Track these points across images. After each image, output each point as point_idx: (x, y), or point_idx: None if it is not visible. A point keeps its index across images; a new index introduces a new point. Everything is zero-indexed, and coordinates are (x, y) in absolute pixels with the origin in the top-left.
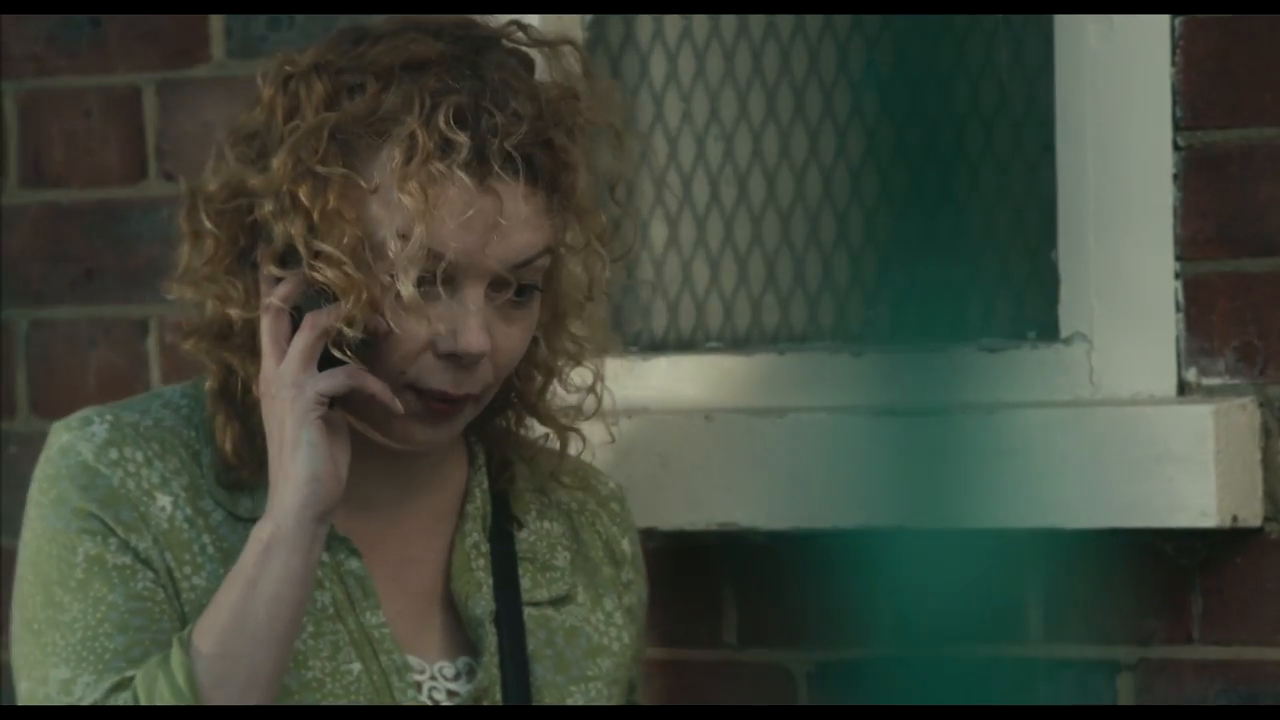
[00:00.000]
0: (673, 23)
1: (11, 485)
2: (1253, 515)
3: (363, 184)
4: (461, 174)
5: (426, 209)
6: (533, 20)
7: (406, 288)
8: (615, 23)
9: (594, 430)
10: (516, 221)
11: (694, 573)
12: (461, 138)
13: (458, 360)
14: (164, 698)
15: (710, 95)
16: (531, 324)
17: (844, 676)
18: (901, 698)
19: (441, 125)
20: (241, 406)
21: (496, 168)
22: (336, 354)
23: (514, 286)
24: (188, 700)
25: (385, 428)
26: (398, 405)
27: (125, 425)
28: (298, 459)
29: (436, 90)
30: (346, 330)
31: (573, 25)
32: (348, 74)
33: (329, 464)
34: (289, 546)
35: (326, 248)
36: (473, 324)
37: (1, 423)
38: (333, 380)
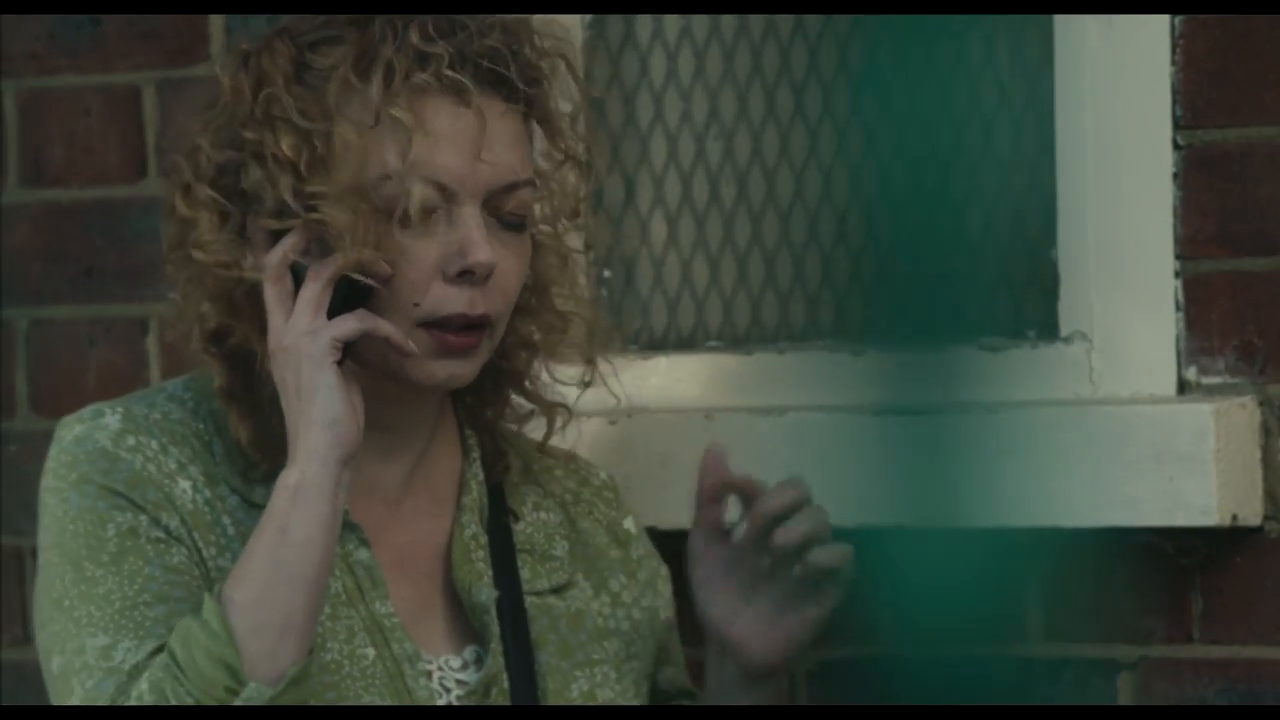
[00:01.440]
0: (672, 22)
1: (11, 484)
2: (1253, 514)
3: (351, 125)
4: (446, 82)
5: (416, 123)
6: (531, 21)
7: (416, 195)
8: (615, 22)
9: (593, 425)
10: (501, 139)
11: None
12: (437, 48)
13: (470, 277)
14: (199, 643)
15: (710, 94)
16: (526, 255)
17: (844, 676)
18: (901, 697)
19: (416, 42)
20: (252, 400)
21: (476, 81)
22: (358, 278)
23: (502, 217)
24: (223, 640)
25: (405, 369)
26: (411, 346)
27: (136, 416)
28: (317, 402)
29: (404, 18)
30: (365, 253)
31: (573, 25)
32: (311, 33)
33: (348, 407)
34: (316, 491)
35: (321, 188)
36: (477, 236)
37: (1, 421)
38: (344, 325)
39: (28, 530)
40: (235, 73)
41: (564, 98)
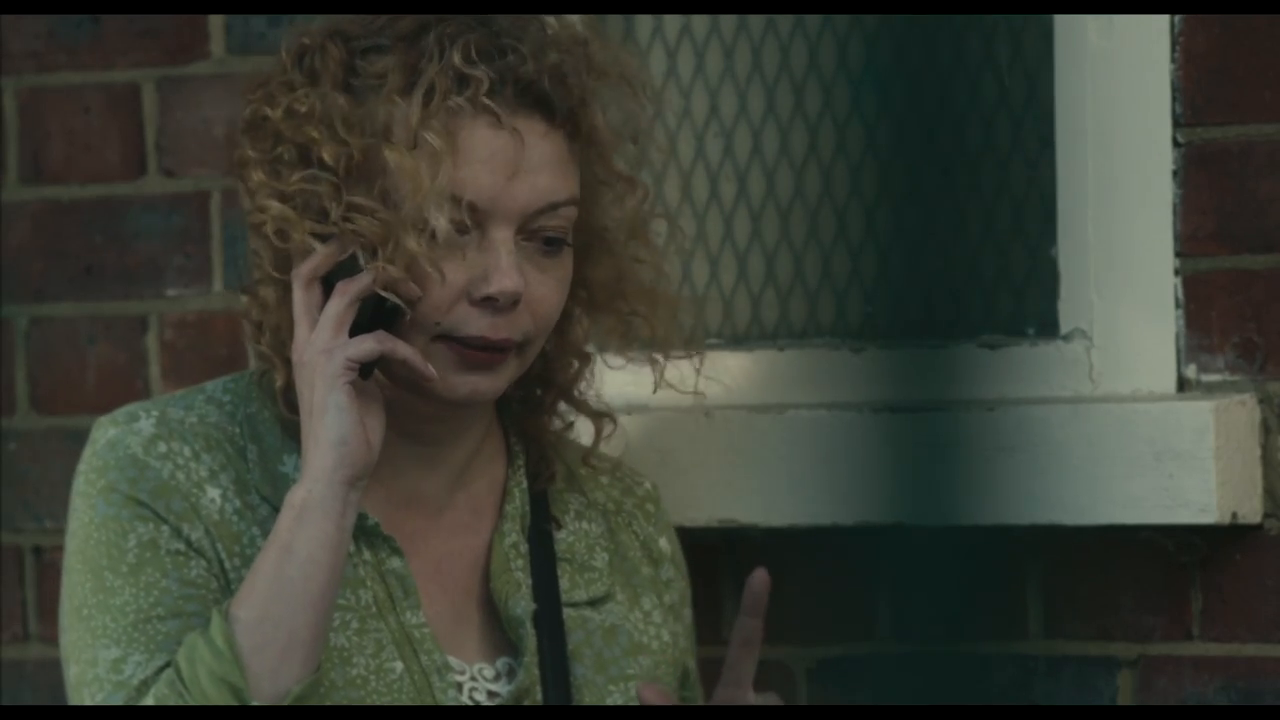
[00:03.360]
0: (672, 20)
1: (11, 482)
2: (1252, 512)
3: (389, 143)
4: (480, 107)
5: (450, 148)
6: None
7: (440, 223)
8: (615, 21)
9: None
10: (539, 162)
11: (694, 570)
12: (478, 72)
13: (493, 304)
14: (204, 660)
15: (709, 92)
16: (566, 276)
17: (844, 674)
18: (901, 696)
19: (458, 63)
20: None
21: (515, 103)
22: (386, 295)
23: (542, 237)
24: (227, 660)
25: (428, 386)
26: (430, 370)
27: (171, 420)
28: (325, 422)
29: (451, 35)
30: (391, 269)
31: (571, 22)
32: (362, 39)
33: (358, 428)
34: (321, 510)
35: (357, 199)
36: (505, 264)
37: (1, 420)
38: (361, 346)
39: (27, 529)
40: (291, 69)
41: (642, 116)
